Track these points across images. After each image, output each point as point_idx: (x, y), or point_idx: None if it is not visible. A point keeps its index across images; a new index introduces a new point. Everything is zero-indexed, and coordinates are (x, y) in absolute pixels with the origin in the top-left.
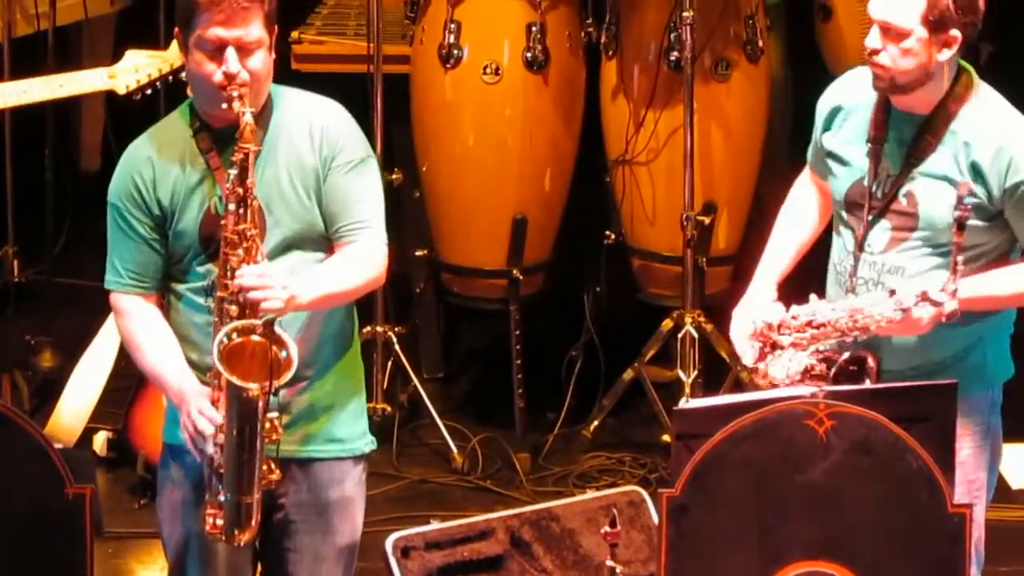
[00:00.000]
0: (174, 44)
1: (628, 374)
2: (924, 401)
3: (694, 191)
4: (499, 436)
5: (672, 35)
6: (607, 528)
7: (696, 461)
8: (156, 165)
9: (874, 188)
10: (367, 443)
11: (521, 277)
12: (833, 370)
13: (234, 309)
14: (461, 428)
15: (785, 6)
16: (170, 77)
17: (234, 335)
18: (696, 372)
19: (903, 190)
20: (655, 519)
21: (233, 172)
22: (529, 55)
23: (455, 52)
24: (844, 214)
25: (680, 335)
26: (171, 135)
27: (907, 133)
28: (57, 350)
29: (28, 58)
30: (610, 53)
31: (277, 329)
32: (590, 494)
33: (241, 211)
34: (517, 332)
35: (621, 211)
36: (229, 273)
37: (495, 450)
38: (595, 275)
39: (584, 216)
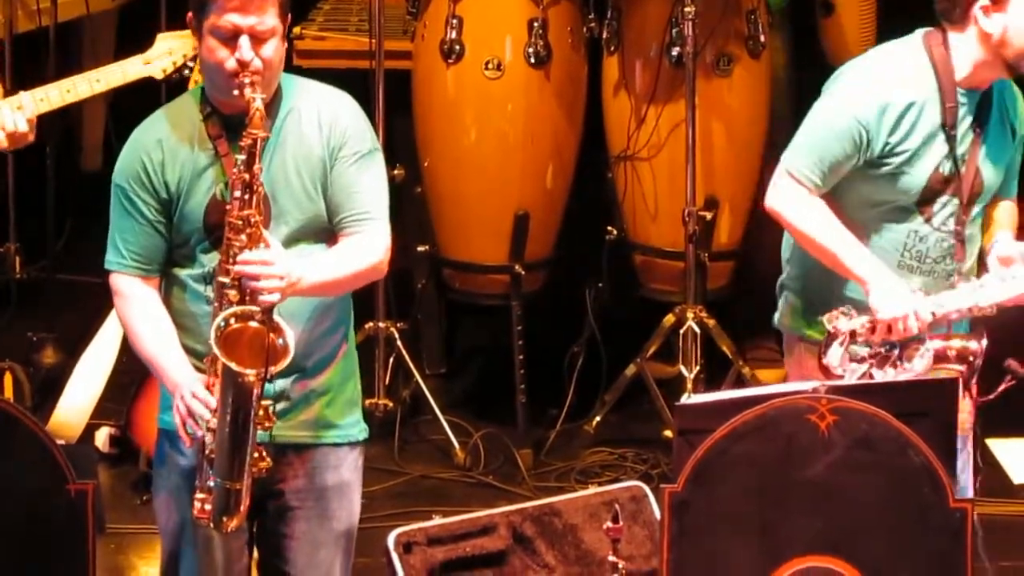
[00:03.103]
0: None
1: (630, 370)
2: (925, 396)
3: (696, 187)
4: (501, 432)
5: (674, 30)
6: (609, 523)
7: (698, 456)
8: (165, 148)
9: (952, 171)
10: (361, 431)
11: (523, 273)
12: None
13: (234, 294)
14: (463, 424)
15: (789, 9)
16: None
17: (232, 320)
18: (698, 368)
19: (973, 164)
20: (657, 514)
21: (240, 158)
22: (531, 51)
23: (457, 48)
24: (914, 206)
25: (682, 331)
26: (181, 118)
27: (969, 110)
28: (59, 347)
29: (29, 54)
30: (612, 49)
31: (275, 316)
32: (592, 489)
33: (246, 197)
34: (519, 328)
35: (623, 207)
36: (231, 258)
37: (497, 446)
38: (597, 271)
39: (586, 212)
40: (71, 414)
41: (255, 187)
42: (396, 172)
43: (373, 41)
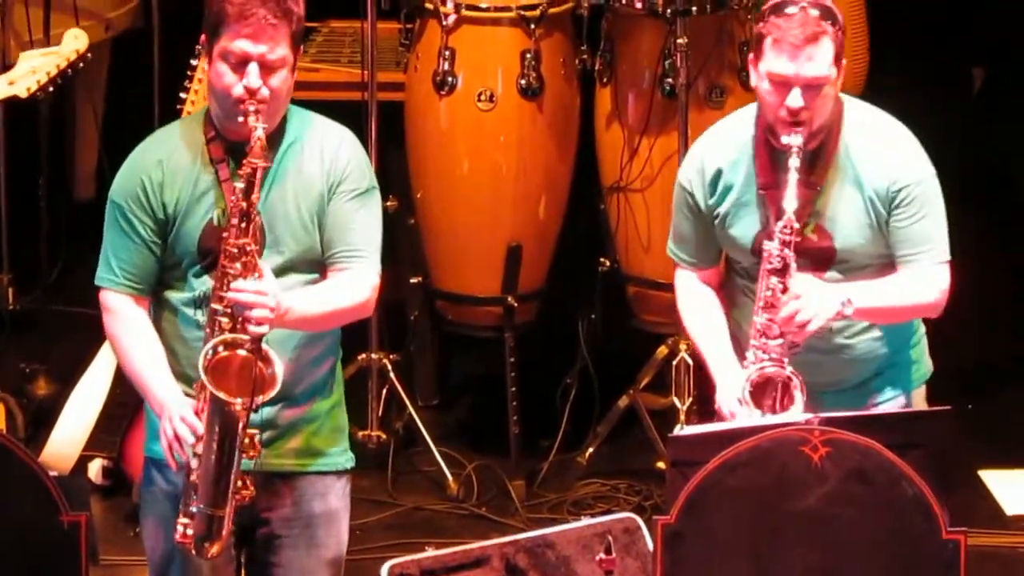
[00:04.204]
0: (66, 37)
1: (623, 401)
2: (919, 428)
3: None
4: (494, 463)
5: (666, 62)
6: (602, 555)
7: (691, 488)
8: (165, 168)
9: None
10: (348, 459)
11: (516, 304)
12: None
13: (226, 321)
14: (456, 455)
15: None
16: (69, 71)
17: (221, 348)
18: (691, 399)
19: (810, 226)
20: (650, 546)
21: (239, 186)
22: (523, 82)
23: (449, 79)
24: (757, 266)
25: (675, 362)
26: (184, 140)
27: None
28: (52, 378)
29: None
30: (604, 80)
31: (264, 346)
32: (585, 521)
33: (243, 225)
34: (512, 359)
35: (616, 238)
36: (225, 286)
37: (490, 477)
38: (590, 302)
39: (579, 243)
40: (64, 445)
41: (252, 216)
42: (389, 204)
43: (366, 72)
